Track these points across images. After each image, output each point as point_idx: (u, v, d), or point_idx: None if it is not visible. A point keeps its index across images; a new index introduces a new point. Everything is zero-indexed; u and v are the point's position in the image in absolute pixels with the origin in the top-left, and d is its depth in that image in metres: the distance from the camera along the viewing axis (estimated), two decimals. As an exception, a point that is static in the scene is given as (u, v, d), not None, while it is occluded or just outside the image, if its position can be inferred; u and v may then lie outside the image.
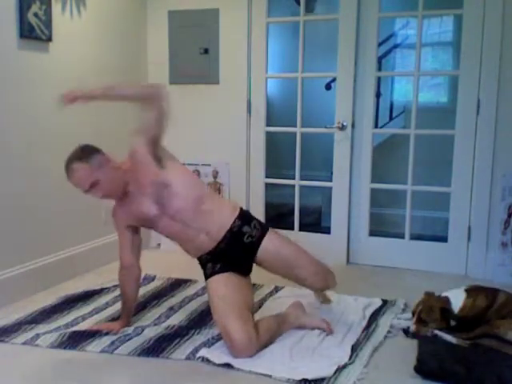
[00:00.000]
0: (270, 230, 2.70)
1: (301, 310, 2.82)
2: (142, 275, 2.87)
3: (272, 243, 2.64)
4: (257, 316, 2.70)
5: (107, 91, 2.53)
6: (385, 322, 2.87)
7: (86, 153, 2.50)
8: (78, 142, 2.59)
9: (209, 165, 4.30)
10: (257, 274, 2.74)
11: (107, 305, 3.14)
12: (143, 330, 2.73)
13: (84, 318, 2.94)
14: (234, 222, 2.61)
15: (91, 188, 2.50)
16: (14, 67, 3.16)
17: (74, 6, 3.57)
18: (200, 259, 2.67)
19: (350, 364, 2.41)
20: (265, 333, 2.54)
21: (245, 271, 2.67)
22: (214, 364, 2.41)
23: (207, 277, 2.63)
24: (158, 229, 2.68)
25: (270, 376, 2.31)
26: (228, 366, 2.39)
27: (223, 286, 2.56)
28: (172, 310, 3.06)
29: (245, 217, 2.66)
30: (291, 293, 3.25)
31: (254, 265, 2.70)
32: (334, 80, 4.61)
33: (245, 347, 2.43)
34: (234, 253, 2.60)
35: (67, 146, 2.57)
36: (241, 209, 2.71)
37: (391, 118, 5.81)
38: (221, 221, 2.60)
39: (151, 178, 2.54)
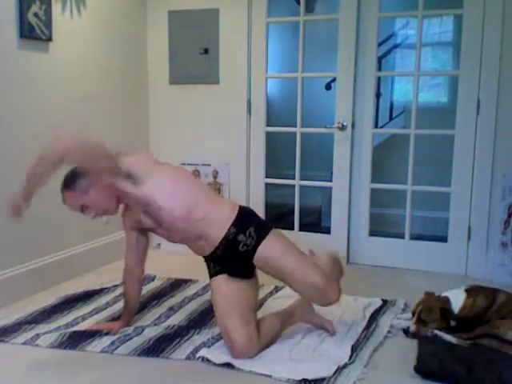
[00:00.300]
0: (272, 232, 2.57)
1: (308, 304, 2.77)
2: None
3: (268, 252, 2.52)
4: (257, 315, 2.69)
5: (28, 184, 2.46)
6: (385, 322, 2.88)
7: (72, 179, 2.55)
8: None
9: (209, 165, 4.29)
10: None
11: (107, 305, 3.14)
12: (143, 330, 2.73)
13: (84, 317, 2.95)
14: (229, 229, 2.51)
15: (83, 210, 2.58)
16: (14, 67, 3.16)
17: (74, 6, 3.57)
18: (204, 257, 2.66)
19: (349, 364, 2.41)
20: (266, 333, 2.54)
21: (246, 274, 2.61)
22: (214, 364, 2.41)
23: (211, 276, 2.62)
24: (158, 235, 2.69)
25: (270, 376, 2.31)
26: (228, 365, 2.39)
27: (225, 285, 2.55)
28: (172, 310, 3.06)
29: (242, 222, 2.54)
30: (291, 292, 3.24)
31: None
32: (334, 80, 4.61)
33: (245, 348, 2.42)
34: (230, 259, 2.55)
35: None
36: (239, 211, 2.58)
37: (391, 118, 5.82)
38: (217, 228, 2.53)
39: (130, 199, 2.55)
